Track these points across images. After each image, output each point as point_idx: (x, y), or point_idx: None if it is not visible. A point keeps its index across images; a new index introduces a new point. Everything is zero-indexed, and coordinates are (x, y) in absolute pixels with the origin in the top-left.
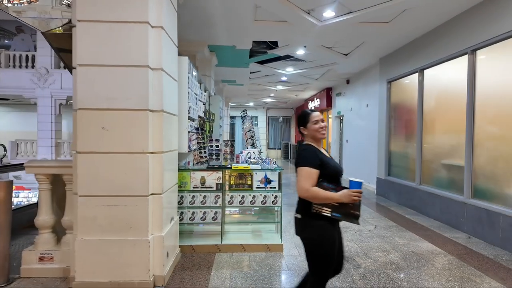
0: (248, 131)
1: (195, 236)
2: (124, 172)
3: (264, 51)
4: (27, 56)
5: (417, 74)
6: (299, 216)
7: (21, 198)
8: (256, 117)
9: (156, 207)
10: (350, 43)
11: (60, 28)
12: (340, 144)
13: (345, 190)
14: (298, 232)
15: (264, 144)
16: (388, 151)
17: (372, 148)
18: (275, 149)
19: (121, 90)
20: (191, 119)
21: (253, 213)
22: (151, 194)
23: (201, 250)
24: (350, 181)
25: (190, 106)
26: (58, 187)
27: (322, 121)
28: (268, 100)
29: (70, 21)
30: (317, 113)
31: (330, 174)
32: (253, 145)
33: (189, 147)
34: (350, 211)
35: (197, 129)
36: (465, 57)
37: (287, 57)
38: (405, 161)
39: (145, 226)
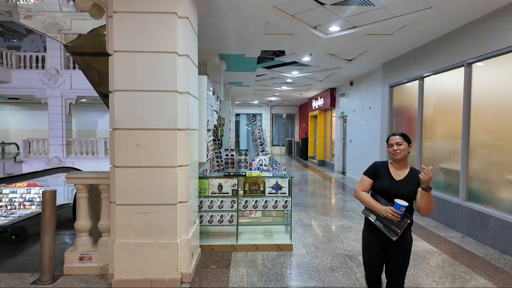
0: (259, 138)
1: (212, 236)
2: (155, 183)
3: (271, 58)
4: (37, 57)
5: (417, 81)
6: None
7: (32, 194)
8: (260, 114)
9: (183, 213)
10: (354, 51)
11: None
12: (344, 144)
13: (387, 207)
14: None
15: (268, 141)
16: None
17: (374, 148)
18: (279, 146)
19: (153, 112)
20: (208, 130)
21: (266, 214)
22: (179, 202)
23: (219, 249)
24: (395, 201)
25: (208, 119)
26: (92, 194)
27: (398, 144)
28: (273, 98)
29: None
30: (394, 137)
31: (378, 188)
32: (263, 151)
33: (207, 156)
34: (392, 227)
35: (214, 140)
36: (462, 69)
37: (293, 62)
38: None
39: (174, 230)
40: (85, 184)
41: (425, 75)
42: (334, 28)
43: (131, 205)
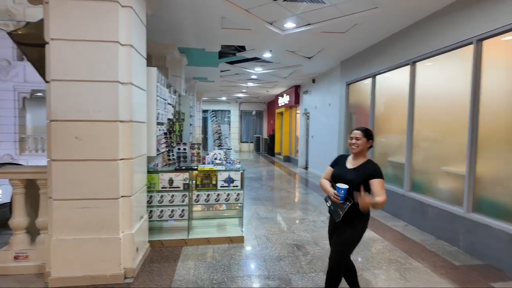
0: (216, 132)
1: (164, 232)
2: (96, 177)
3: (233, 53)
4: None
5: (370, 79)
6: None
7: None
8: (229, 111)
9: (126, 207)
10: (312, 48)
11: (23, 29)
12: (307, 140)
13: (333, 190)
14: None
15: (237, 137)
16: (347, 147)
17: (334, 143)
18: (248, 142)
19: (93, 103)
20: (160, 123)
21: (224, 207)
22: (122, 196)
23: (169, 244)
24: (336, 185)
25: (158, 113)
26: (31, 190)
27: (356, 139)
28: (241, 95)
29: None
30: (355, 131)
31: (333, 175)
32: (220, 145)
33: (158, 150)
34: (337, 210)
35: (165, 133)
36: (408, 67)
37: (255, 58)
38: None
39: (116, 225)
40: (21, 179)
41: (376, 73)
42: (289, 24)
43: (70, 200)
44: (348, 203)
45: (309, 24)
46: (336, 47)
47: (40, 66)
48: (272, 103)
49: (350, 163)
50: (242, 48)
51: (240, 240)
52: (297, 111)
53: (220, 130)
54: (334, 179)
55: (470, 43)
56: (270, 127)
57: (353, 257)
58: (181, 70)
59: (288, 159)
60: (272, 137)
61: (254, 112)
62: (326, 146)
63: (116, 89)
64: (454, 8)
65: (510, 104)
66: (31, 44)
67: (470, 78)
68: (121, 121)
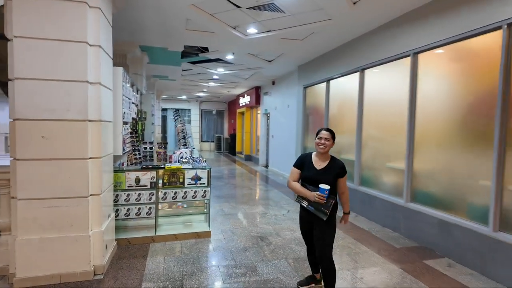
0: (181, 131)
1: (130, 230)
2: (65, 176)
3: (196, 53)
4: None
5: (325, 83)
6: None
7: None
8: (189, 110)
9: (95, 206)
10: (273, 53)
11: None
12: (267, 139)
13: (314, 192)
14: None
15: (198, 137)
16: (304, 146)
17: (292, 142)
18: (208, 142)
19: (61, 102)
20: (125, 123)
21: (185, 205)
22: (91, 195)
23: (136, 242)
24: (319, 186)
25: (124, 112)
26: None
27: (326, 139)
28: (202, 94)
29: None
30: (324, 132)
31: (304, 177)
32: (185, 144)
33: (123, 149)
34: (321, 208)
35: (131, 132)
36: (357, 74)
37: (217, 59)
38: None
39: (86, 223)
40: None
41: (330, 77)
42: (252, 30)
43: (36, 199)
44: (331, 201)
45: (270, 31)
46: (295, 52)
47: None
48: (233, 103)
49: (317, 163)
50: (205, 49)
51: (207, 235)
52: (258, 111)
53: (185, 129)
54: (306, 180)
55: (408, 55)
56: (231, 127)
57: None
58: (142, 68)
59: (249, 158)
60: (233, 137)
61: (214, 112)
62: (286, 145)
63: (86, 89)
64: (396, 24)
65: (440, 109)
66: None
67: (408, 85)
68: (90, 121)
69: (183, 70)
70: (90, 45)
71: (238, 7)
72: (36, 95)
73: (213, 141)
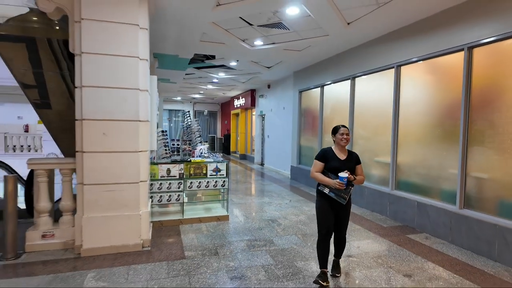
0: (197, 131)
1: (160, 215)
2: (120, 166)
3: (202, 60)
4: None
5: (319, 88)
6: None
7: None
8: (183, 110)
9: (143, 190)
10: (272, 60)
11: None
12: (262, 139)
13: (335, 180)
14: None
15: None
16: (299, 145)
17: (287, 142)
18: (204, 143)
19: (119, 105)
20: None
21: (202, 197)
22: (141, 181)
23: (167, 223)
24: (339, 175)
25: (157, 114)
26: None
27: (347, 134)
28: (197, 96)
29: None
30: (344, 129)
31: (331, 167)
32: (201, 142)
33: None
34: (342, 194)
35: (162, 131)
36: (349, 81)
37: (221, 65)
38: (311, 153)
39: (137, 204)
40: (45, 169)
41: (324, 84)
42: (258, 42)
43: (98, 185)
44: (351, 187)
45: (274, 43)
46: (292, 60)
47: (12, 64)
48: (226, 104)
49: (340, 155)
50: (212, 56)
51: (226, 218)
52: (253, 113)
53: (200, 128)
54: (331, 170)
55: (392, 67)
56: (224, 127)
57: (315, 226)
58: (153, 73)
59: (244, 157)
60: (227, 137)
61: (206, 112)
62: (281, 144)
63: (137, 95)
64: (382, 40)
65: (419, 112)
66: (11, 39)
67: (393, 92)
68: (140, 121)
69: (186, 74)
70: (140, 59)
71: (251, 24)
72: (98, 100)
73: (206, 141)
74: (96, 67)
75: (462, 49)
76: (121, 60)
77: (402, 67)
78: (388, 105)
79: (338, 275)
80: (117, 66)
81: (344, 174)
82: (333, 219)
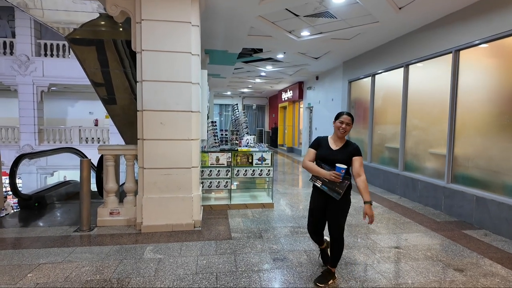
0: (244, 122)
1: (209, 199)
2: (175, 152)
3: (250, 54)
4: (4, 42)
5: (370, 77)
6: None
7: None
8: (231, 104)
9: (195, 175)
10: (320, 51)
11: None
12: (310, 131)
13: (330, 171)
14: None
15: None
16: (348, 137)
17: None
18: (250, 135)
19: (174, 97)
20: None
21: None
22: (193, 166)
23: (216, 208)
24: (336, 165)
25: (207, 106)
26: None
27: (347, 124)
28: (245, 90)
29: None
30: (346, 116)
31: (319, 155)
32: (248, 133)
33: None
34: (336, 188)
35: (212, 122)
36: (402, 69)
37: (268, 58)
38: (360, 145)
39: (190, 187)
40: (113, 154)
41: (375, 72)
42: (305, 33)
43: (156, 169)
44: (346, 181)
45: (321, 33)
46: (341, 50)
47: (85, 65)
48: (274, 98)
49: (333, 145)
50: (259, 50)
51: (270, 206)
52: (301, 105)
53: (246, 120)
54: (321, 159)
55: (450, 52)
56: (272, 120)
57: (361, 217)
58: (205, 68)
59: (291, 149)
60: (275, 130)
61: (254, 106)
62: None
63: (190, 88)
64: (438, 24)
65: (477, 99)
66: (84, 42)
67: (450, 78)
68: (192, 112)
69: (234, 69)
70: (192, 54)
71: (297, 15)
72: (157, 93)
73: (254, 134)
74: (154, 62)
75: None
76: (176, 56)
77: (461, 52)
78: (444, 93)
79: (322, 285)
80: (172, 62)
81: (342, 165)
82: (323, 218)
